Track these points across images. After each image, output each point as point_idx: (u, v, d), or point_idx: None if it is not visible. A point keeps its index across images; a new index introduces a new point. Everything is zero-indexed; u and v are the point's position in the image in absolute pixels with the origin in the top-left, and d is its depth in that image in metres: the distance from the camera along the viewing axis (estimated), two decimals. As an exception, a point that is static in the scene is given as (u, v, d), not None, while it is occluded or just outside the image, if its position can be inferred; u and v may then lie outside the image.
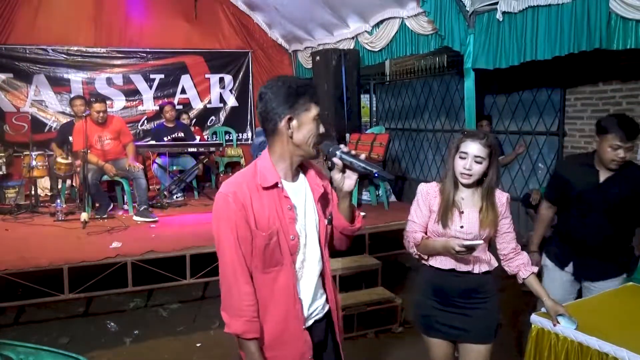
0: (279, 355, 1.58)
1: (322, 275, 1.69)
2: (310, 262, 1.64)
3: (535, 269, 2.18)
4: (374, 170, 1.52)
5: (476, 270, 2.10)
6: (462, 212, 2.09)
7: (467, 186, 2.10)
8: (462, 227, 2.08)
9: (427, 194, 2.17)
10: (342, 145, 1.58)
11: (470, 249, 1.96)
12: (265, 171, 1.56)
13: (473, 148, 2.03)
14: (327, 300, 1.71)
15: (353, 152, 1.58)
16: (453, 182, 2.11)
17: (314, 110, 1.55)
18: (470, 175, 2.04)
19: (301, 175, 1.67)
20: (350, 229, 1.68)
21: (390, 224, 4.79)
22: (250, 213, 1.51)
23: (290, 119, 1.53)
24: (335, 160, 1.56)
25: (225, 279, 1.54)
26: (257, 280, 1.56)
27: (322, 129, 1.59)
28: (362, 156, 1.56)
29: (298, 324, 1.58)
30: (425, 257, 2.19)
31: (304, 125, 1.54)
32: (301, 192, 1.64)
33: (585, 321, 2.18)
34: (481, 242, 2.00)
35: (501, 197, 2.13)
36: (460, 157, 2.06)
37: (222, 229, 1.52)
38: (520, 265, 2.17)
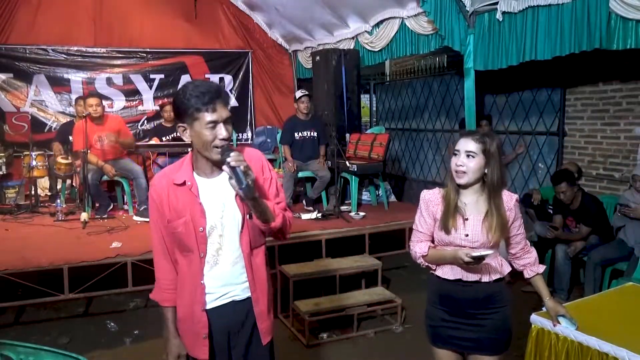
0: (183, 328, 1.79)
1: (244, 263, 1.74)
2: (227, 251, 1.72)
3: (541, 269, 2.13)
4: (240, 187, 1.50)
5: (485, 279, 1.99)
6: (467, 219, 1.98)
7: (466, 187, 1.99)
8: (466, 235, 1.97)
9: (429, 201, 2.06)
10: (233, 154, 1.53)
11: (480, 259, 1.86)
12: (183, 169, 1.72)
13: (464, 144, 1.96)
14: (250, 286, 1.76)
15: (242, 165, 1.51)
16: (454, 186, 2.01)
17: (205, 118, 1.57)
18: (465, 172, 1.94)
19: None
20: (264, 227, 1.70)
21: (390, 224, 4.79)
22: (165, 203, 1.70)
23: (184, 129, 1.64)
24: (224, 167, 1.55)
25: (153, 253, 1.80)
26: (178, 261, 1.76)
27: (223, 134, 1.59)
28: (241, 167, 1.51)
29: (198, 306, 1.73)
30: (433, 267, 2.08)
31: (197, 133, 1.61)
32: (220, 187, 1.70)
33: (585, 321, 2.18)
34: (491, 252, 1.88)
35: (509, 201, 2.01)
36: (454, 154, 2.00)
37: (150, 212, 1.77)
38: (527, 264, 2.12)
